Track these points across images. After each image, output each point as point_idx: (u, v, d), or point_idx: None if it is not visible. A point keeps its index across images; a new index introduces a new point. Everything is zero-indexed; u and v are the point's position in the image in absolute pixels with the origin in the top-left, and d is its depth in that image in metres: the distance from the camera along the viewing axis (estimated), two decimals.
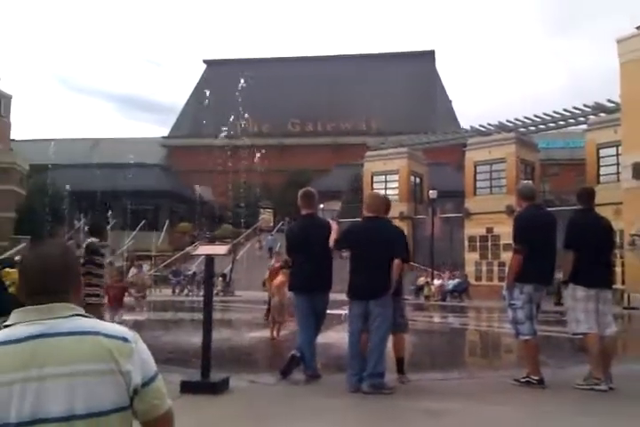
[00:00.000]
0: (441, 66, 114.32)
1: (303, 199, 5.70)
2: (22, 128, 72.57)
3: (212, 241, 38.49)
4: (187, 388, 4.42)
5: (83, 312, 1.47)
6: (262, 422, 3.94)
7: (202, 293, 19.90)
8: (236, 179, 52.47)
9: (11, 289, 4.09)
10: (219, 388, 4.59)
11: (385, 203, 5.53)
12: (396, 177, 33.63)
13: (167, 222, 46.53)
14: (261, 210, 48.17)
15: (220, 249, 4.93)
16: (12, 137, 39.87)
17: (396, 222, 20.31)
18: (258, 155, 56.61)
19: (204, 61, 68.94)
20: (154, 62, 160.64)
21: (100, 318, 6.66)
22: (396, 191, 33.18)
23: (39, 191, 37.77)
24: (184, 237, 42.59)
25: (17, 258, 4.26)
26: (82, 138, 64.16)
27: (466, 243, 28.85)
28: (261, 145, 58.69)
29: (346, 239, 5.18)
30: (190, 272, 26.83)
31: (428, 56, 64.06)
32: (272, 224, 46.70)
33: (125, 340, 1.44)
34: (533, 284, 5.18)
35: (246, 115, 58.61)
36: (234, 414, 4.15)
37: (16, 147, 41.85)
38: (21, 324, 1.39)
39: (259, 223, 46.41)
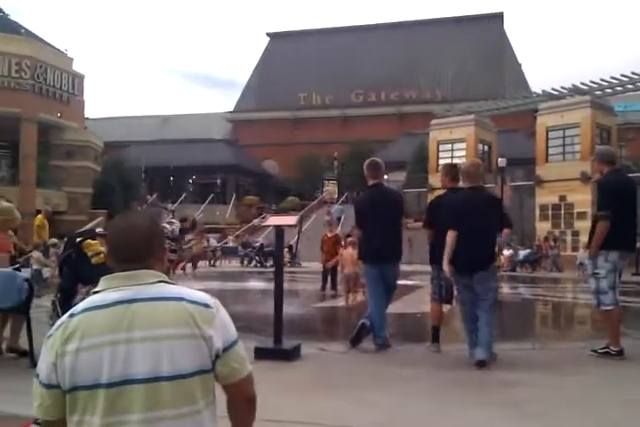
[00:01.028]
0: (510, 28, 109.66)
1: (370, 169, 5.61)
2: (96, 107, 75.40)
3: (278, 213, 39.10)
4: (260, 354, 4.56)
5: (167, 279, 1.52)
6: (334, 389, 4.00)
7: (269, 264, 20.42)
8: (300, 151, 52.78)
9: (93, 260, 4.30)
10: (291, 354, 4.71)
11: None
12: (462, 145, 32.83)
13: (234, 196, 47.49)
14: (325, 182, 48.35)
15: (289, 220, 4.97)
16: (86, 116, 41.40)
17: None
18: (321, 127, 56.62)
19: (267, 34, 68.81)
20: (220, 38, 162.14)
21: None
22: (463, 160, 32.34)
23: (113, 167, 39.24)
24: (250, 210, 43.38)
25: (98, 230, 4.47)
26: (152, 115, 65.94)
27: (537, 212, 27.97)
28: (324, 117, 58.64)
29: (451, 214, 4.88)
30: (258, 244, 27.35)
31: (497, 19, 61.32)
32: (336, 196, 46.85)
33: (207, 306, 1.48)
34: (619, 251, 5.01)
35: (309, 87, 58.63)
36: (307, 381, 4.24)
37: (90, 125, 43.50)
38: (109, 290, 1.45)
39: (323, 195, 46.66)
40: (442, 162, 30.18)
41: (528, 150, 31.09)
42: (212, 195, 46.22)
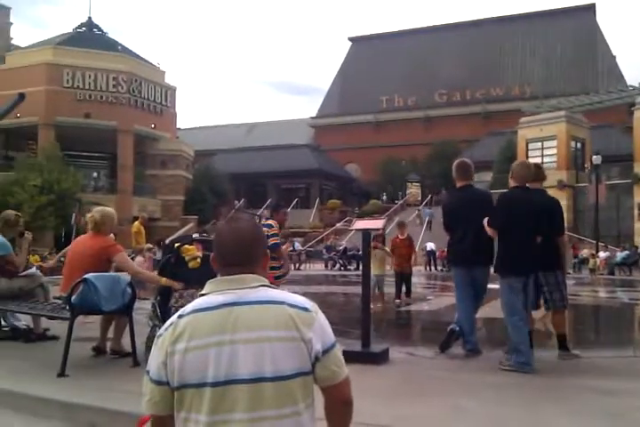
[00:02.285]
0: (603, 19, 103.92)
1: (459, 170, 5.47)
2: (186, 117, 79.12)
3: (361, 217, 39.06)
4: (348, 357, 4.56)
5: (268, 283, 1.58)
6: (422, 394, 3.97)
7: (353, 267, 20.43)
8: (382, 154, 52.58)
9: (190, 264, 4.51)
10: (379, 358, 4.72)
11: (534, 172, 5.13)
12: (553, 143, 31.49)
13: (317, 200, 48.03)
14: (409, 184, 47.87)
15: (375, 223, 5.00)
16: (177, 126, 43.32)
17: (553, 192, 19.08)
18: (403, 129, 56.11)
19: (349, 39, 69.14)
20: (304, 46, 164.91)
21: None
22: (554, 159, 31.10)
23: (203, 175, 40.78)
24: (334, 214, 43.68)
25: (195, 236, 4.68)
26: (239, 123, 67.98)
27: (635, 211, 26.36)
28: (407, 118, 58.11)
29: (505, 214, 4.83)
30: (341, 247, 27.49)
31: (588, 10, 58.31)
32: (420, 198, 46.27)
33: (307, 309, 1.54)
34: None
35: (391, 89, 58.30)
36: (395, 385, 4.23)
37: (182, 135, 45.45)
38: (215, 293, 1.54)
39: (406, 197, 46.23)
40: (531, 161, 29.10)
41: (624, 147, 29.43)
42: (296, 199, 46.98)
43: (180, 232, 30.51)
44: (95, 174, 37.93)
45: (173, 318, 1.54)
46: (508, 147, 36.11)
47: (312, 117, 64.07)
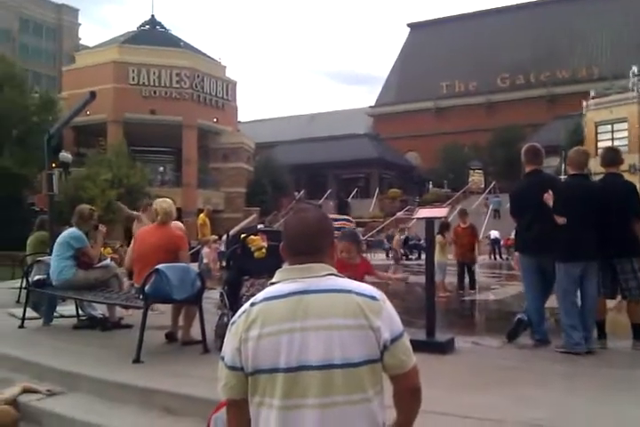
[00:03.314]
0: None
1: (528, 155, 5.33)
2: (247, 110, 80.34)
3: (423, 206, 38.59)
4: (413, 346, 4.55)
5: (336, 272, 1.61)
6: (489, 384, 3.92)
7: (414, 256, 20.25)
8: (443, 142, 51.65)
9: (256, 254, 4.62)
10: (445, 348, 4.69)
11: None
12: (624, 126, 30.08)
13: (377, 189, 47.76)
14: (471, 171, 46.85)
15: (439, 212, 4.95)
16: (238, 119, 44.01)
17: (627, 176, 18.21)
18: (465, 115, 54.89)
19: (408, 25, 68.07)
20: (363, 35, 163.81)
21: None
22: (625, 142, 29.68)
23: (264, 167, 41.31)
24: (394, 203, 43.33)
25: (260, 226, 4.79)
26: (298, 115, 68.35)
27: None
28: (468, 104, 56.78)
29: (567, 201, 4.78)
30: (403, 237, 27.27)
31: None
32: (482, 186, 45.21)
33: (374, 298, 1.56)
34: None
35: (452, 75, 57.07)
36: (461, 374, 4.20)
37: (243, 128, 46.13)
38: (284, 281, 1.58)
39: (469, 185, 45.28)
40: (601, 145, 27.92)
41: None
42: (355, 189, 46.86)
43: (243, 224, 31.09)
44: (161, 169, 39.10)
45: (246, 305, 1.59)
46: (575, 131, 34.71)
47: (371, 106, 63.61)
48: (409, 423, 1.68)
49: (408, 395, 1.64)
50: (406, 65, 62.17)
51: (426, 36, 62.86)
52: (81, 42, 66.68)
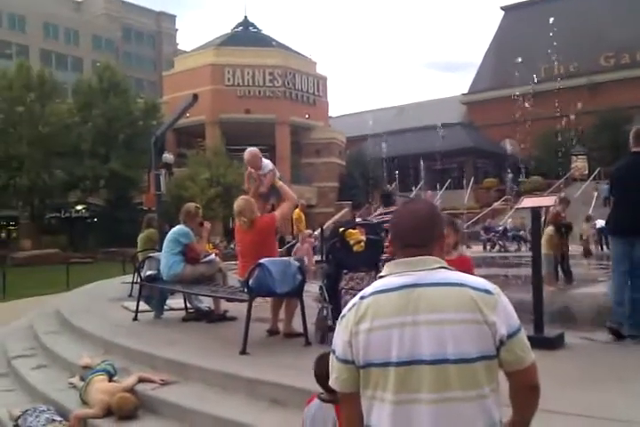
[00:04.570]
0: None
1: (636, 137, 5.02)
2: (337, 105, 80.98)
3: (520, 195, 37.12)
4: None
5: (446, 265, 1.57)
6: (604, 381, 3.71)
7: (513, 248, 19.44)
8: (542, 127, 49.27)
9: (355, 248, 4.64)
10: (554, 343, 4.48)
11: None
12: None
13: (472, 179, 46.44)
14: (573, 157, 44.37)
15: (546, 201, 4.73)
16: (329, 114, 44.37)
17: None
18: (565, 98, 52.03)
19: (502, 8, 65.50)
20: (453, 22, 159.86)
21: None
22: None
23: (355, 161, 41.40)
24: (490, 193, 41.95)
25: (358, 220, 4.80)
26: (388, 107, 67.76)
27: None
28: (568, 87, 53.74)
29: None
30: (501, 228, 26.37)
31: None
32: (586, 172, 42.71)
33: (489, 292, 1.51)
34: None
35: (550, 57, 54.28)
36: (573, 371, 4.01)
37: (333, 123, 46.45)
38: (393, 275, 1.55)
39: (571, 172, 42.93)
40: None
41: None
42: (449, 180, 45.81)
43: (335, 218, 31.34)
44: None
45: (355, 299, 1.58)
46: None
47: (464, 94, 61.86)
48: (526, 422, 1.62)
49: (525, 392, 1.58)
50: (501, 49, 59.82)
51: (521, 19, 60.16)
52: (178, 47, 69.83)
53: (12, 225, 38.38)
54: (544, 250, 7.58)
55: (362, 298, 1.55)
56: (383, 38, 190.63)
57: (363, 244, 4.60)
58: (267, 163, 5.77)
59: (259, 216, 5.17)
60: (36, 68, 33.16)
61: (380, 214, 7.55)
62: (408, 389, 1.45)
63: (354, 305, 1.56)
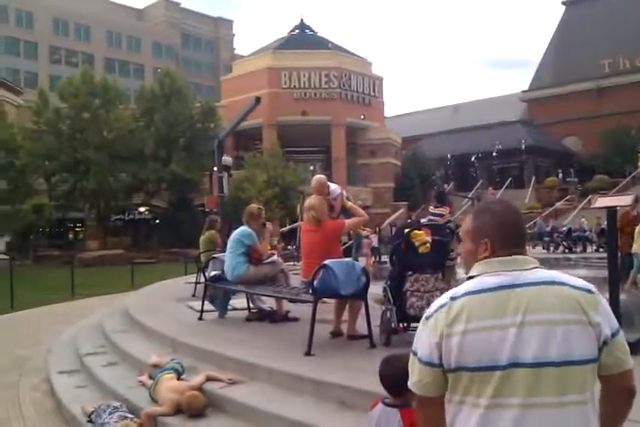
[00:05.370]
0: None
1: None
2: (393, 105, 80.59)
3: (583, 195, 35.81)
4: None
5: (539, 264, 1.51)
6: None
7: (579, 249, 18.71)
8: (606, 124, 47.38)
9: (420, 249, 4.56)
10: (635, 348, 4.27)
11: None
12: None
13: (533, 178, 45.15)
14: None
15: (623, 200, 4.52)
16: (385, 115, 44.14)
17: None
18: (631, 94, 49.87)
19: (563, 3, 63.47)
20: (510, 19, 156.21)
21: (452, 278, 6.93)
22: None
23: (410, 161, 41.02)
24: (552, 193, 40.66)
25: (423, 221, 4.72)
26: (443, 106, 66.82)
27: None
28: (635, 82, 51.45)
29: None
30: (565, 228, 25.49)
31: None
32: None
33: (590, 291, 1.44)
34: None
35: (614, 51, 52.20)
36: None
37: (389, 123, 46.19)
38: (487, 274, 1.48)
39: (638, 170, 41.10)
40: None
41: None
42: (509, 179, 44.70)
43: (391, 219, 31.09)
44: (311, 167, 40.42)
45: (444, 299, 1.50)
46: None
47: (523, 91, 60.25)
48: None
49: (621, 397, 1.50)
50: (562, 45, 57.93)
51: (583, 13, 58.06)
52: (235, 52, 71.11)
53: (79, 227, 40.00)
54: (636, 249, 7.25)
55: (453, 298, 1.48)
56: (439, 37, 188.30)
57: (428, 245, 4.52)
58: (334, 188, 5.77)
59: (328, 219, 5.18)
60: (100, 76, 34.47)
61: (431, 214, 7.39)
62: (504, 393, 1.38)
63: (442, 306, 1.48)
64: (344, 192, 5.82)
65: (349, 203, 5.67)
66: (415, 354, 1.52)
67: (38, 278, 18.20)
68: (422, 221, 4.86)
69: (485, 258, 1.52)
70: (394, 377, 2.46)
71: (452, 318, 1.44)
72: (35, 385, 6.01)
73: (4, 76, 43.46)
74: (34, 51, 55.59)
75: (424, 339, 1.50)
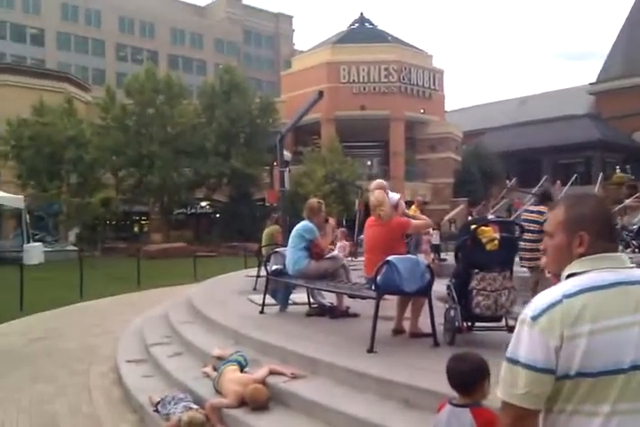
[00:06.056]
0: None
1: None
2: (455, 98, 79.07)
3: None
4: None
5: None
6: None
7: None
8: None
9: (488, 246, 4.43)
10: None
11: None
12: None
13: (600, 174, 43.32)
14: None
15: None
16: (445, 108, 43.37)
17: None
18: None
19: None
20: (576, 8, 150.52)
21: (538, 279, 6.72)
22: None
23: (472, 156, 40.15)
24: (621, 189, 38.90)
25: (491, 217, 4.58)
26: (507, 99, 65.02)
27: None
28: None
29: None
30: (635, 227, 24.33)
31: None
32: None
33: None
34: None
35: None
36: None
37: (449, 117, 45.37)
38: (595, 271, 1.40)
39: None
40: None
41: None
42: (574, 175, 43.09)
43: (450, 215, 30.56)
44: (369, 162, 40.20)
45: (555, 297, 1.36)
46: None
47: (591, 83, 57.83)
48: None
49: None
50: (634, 34, 55.18)
51: None
52: (295, 47, 71.52)
53: (143, 220, 41.30)
54: None
55: (567, 296, 1.35)
56: (505, 29, 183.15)
57: (496, 242, 4.38)
58: (392, 196, 5.70)
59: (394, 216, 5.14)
60: (163, 72, 35.36)
61: (528, 211, 7.18)
62: (626, 399, 1.30)
63: (554, 304, 1.34)
64: (402, 201, 5.73)
65: (410, 212, 5.59)
66: (516, 361, 1.35)
67: (106, 270, 18.90)
68: (490, 217, 4.69)
69: (581, 253, 1.43)
70: (463, 375, 2.41)
71: (572, 317, 1.32)
72: (104, 373, 6.24)
73: (74, 73, 45.26)
74: (101, 48, 57.68)
75: (534, 342, 1.34)
